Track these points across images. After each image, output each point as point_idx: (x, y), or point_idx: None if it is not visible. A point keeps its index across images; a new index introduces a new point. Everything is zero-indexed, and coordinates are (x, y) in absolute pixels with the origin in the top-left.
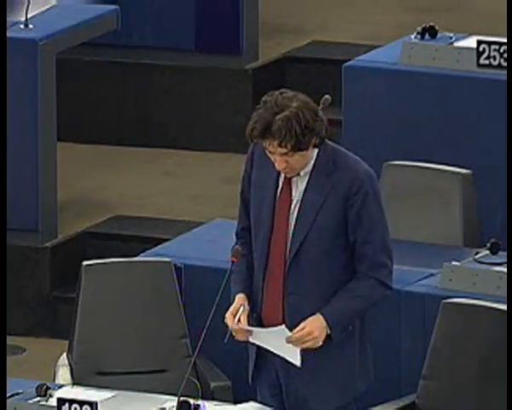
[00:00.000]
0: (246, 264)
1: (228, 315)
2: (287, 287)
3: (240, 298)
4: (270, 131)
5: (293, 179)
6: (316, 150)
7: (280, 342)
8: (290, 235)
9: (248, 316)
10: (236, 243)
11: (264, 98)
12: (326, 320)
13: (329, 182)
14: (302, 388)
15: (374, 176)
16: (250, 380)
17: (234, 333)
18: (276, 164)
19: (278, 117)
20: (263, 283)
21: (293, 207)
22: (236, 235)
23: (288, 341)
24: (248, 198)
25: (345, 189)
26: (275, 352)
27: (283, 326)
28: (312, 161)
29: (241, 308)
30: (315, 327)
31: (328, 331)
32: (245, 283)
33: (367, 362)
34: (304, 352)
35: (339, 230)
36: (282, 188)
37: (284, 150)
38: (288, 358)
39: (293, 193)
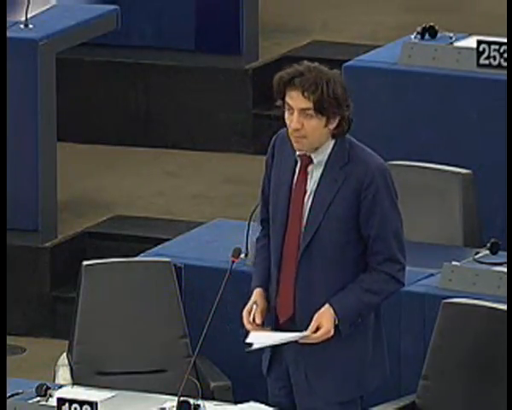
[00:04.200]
0: (265, 255)
1: (244, 313)
2: (298, 277)
3: (255, 294)
4: (298, 78)
5: (309, 169)
6: (333, 141)
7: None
8: (304, 225)
9: (263, 311)
10: (261, 233)
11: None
12: (335, 313)
13: (343, 174)
14: (311, 379)
15: (387, 170)
16: (265, 373)
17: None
18: (292, 123)
19: (311, 71)
20: (278, 273)
21: (307, 197)
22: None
23: (306, 340)
24: (268, 192)
25: (357, 182)
26: (279, 343)
27: (303, 332)
28: (328, 152)
29: (254, 306)
30: (331, 325)
31: (336, 322)
32: (263, 276)
33: (381, 358)
34: (314, 344)
35: (351, 223)
36: (297, 178)
37: (305, 104)
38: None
39: (308, 183)
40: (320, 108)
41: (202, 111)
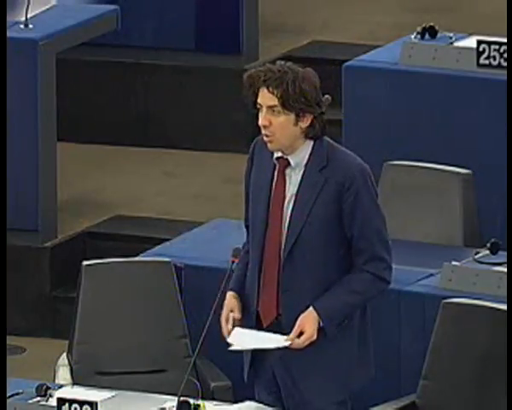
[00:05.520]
0: (247, 260)
1: (222, 322)
2: (282, 283)
3: (229, 298)
4: (265, 74)
5: (287, 173)
6: (311, 144)
7: (271, 340)
8: (285, 230)
9: (240, 319)
10: (247, 238)
11: None
12: (319, 315)
13: (322, 176)
14: (299, 381)
15: (367, 170)
16: (245, 379)
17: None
18: (260, 120)
19: (280, 70)
20: (259, 279)
21: (287, 201)
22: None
23: (289, 346)
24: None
25: (338, 184)
26: (261, 348)
27: (284, 337)
28: (306, 154)
29: (231, 315)
30: (314, 329)
31: (321, 324)
32: (239, 281)
33: (367, 357)
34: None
35: (333, 225)
36: (276, 182)
37: (271, 100)
38: (274, 346)
39: (287, 187)
40: (286, 104)
41: (202, 111)
